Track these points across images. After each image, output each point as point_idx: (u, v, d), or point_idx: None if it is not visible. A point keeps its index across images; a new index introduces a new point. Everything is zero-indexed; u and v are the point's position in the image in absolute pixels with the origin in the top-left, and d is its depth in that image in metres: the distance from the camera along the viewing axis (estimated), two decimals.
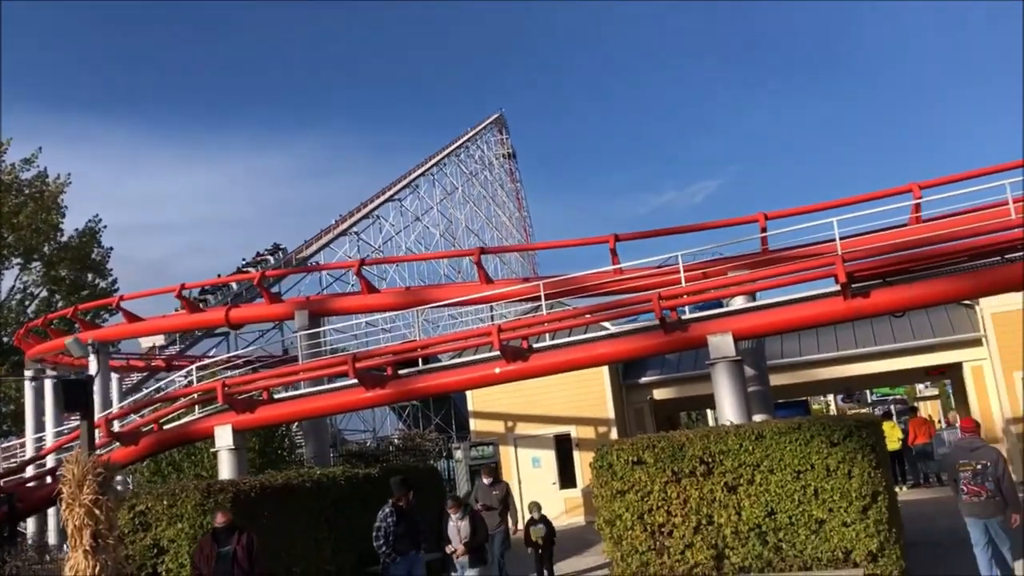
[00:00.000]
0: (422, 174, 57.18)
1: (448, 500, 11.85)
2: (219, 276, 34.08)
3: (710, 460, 10.50)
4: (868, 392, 56.88)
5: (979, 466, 9.30)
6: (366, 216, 50.46)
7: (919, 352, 22.08)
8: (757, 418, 13.15)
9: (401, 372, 15.25)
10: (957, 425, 39.13)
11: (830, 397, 52.02)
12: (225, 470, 15.28)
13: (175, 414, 16.75)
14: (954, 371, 24.75)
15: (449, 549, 11.48)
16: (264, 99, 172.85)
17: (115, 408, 19.92)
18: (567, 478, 22.87)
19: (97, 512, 10.06)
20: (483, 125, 71.06)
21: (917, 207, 14.12)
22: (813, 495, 10.12)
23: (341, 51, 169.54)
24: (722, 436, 10.64)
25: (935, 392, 57.75)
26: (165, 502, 11.76)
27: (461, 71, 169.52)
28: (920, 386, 56.00)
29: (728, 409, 12.58)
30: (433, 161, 59.06)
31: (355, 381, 14.71)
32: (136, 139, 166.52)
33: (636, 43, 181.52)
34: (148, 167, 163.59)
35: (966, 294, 12.86)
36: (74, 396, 10.11)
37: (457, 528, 11.42)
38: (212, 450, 15.97)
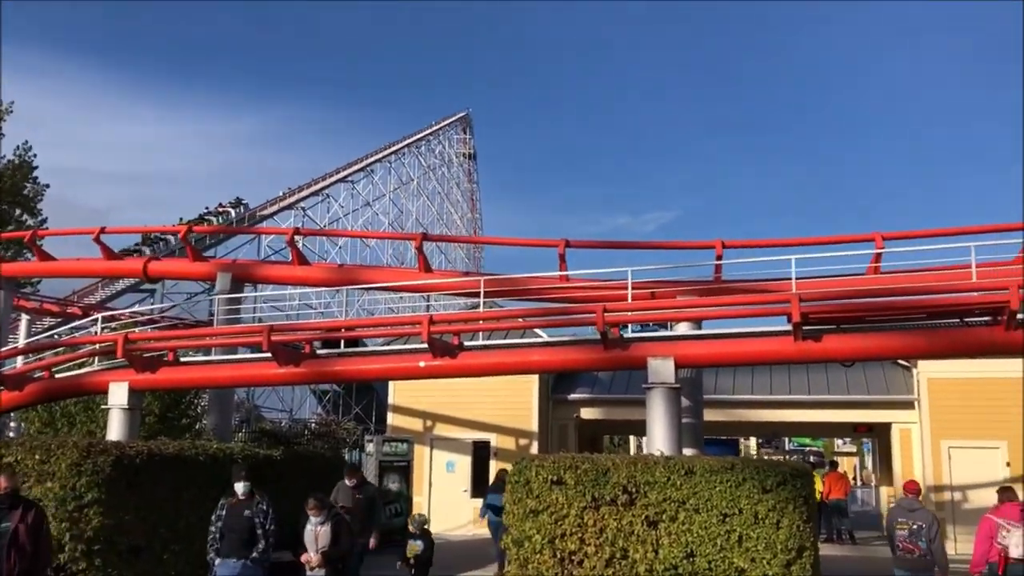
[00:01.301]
0: (379, 160, 56.14)
1: (310, 499, 9.80)
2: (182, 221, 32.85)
3: (634, 490, 9.80)
4: (786, 440, 57.49)
5: (915, 526, 9.79)
6: (315, 193, 49.31)
7: (852, 407, 21.96)
8: (687, 452, 12.54)
9: (320, 352, 14.30)
10: (872, 484, 39.54)
11: (752, 440, 52.22)
12: (114, 431, 14.09)
13: (71, 363, 15.50)
14: (881, 431, 24.71)
15: (304, 558, 9.67)
16: (230, 62, 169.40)
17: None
18: (480, 487, 22.09)
19: None
20: (448, 121, 70.33)
21: (877, 257, 13.70)
22: (737, 542, 9.49)
23: (320, 24, 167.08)
24: (650, 466, 9.96)
25: (852, 449, 58.59)
26: (37, 456, 10.77)
27: (435, 66, 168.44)
28: (839, 441, 56.71)
29: (659, 438, 11.90)
30: (392, 149, 58.07)
31: (269, 355, 13.71)
32: (93, 80, 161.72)
33: (609, 66, 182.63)
34: (101, 111, 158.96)
35: (921, 352, 12.45)
36: None
37: (315, 533, 9.67)
38: (103, 407, 14.80)
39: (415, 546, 11.45)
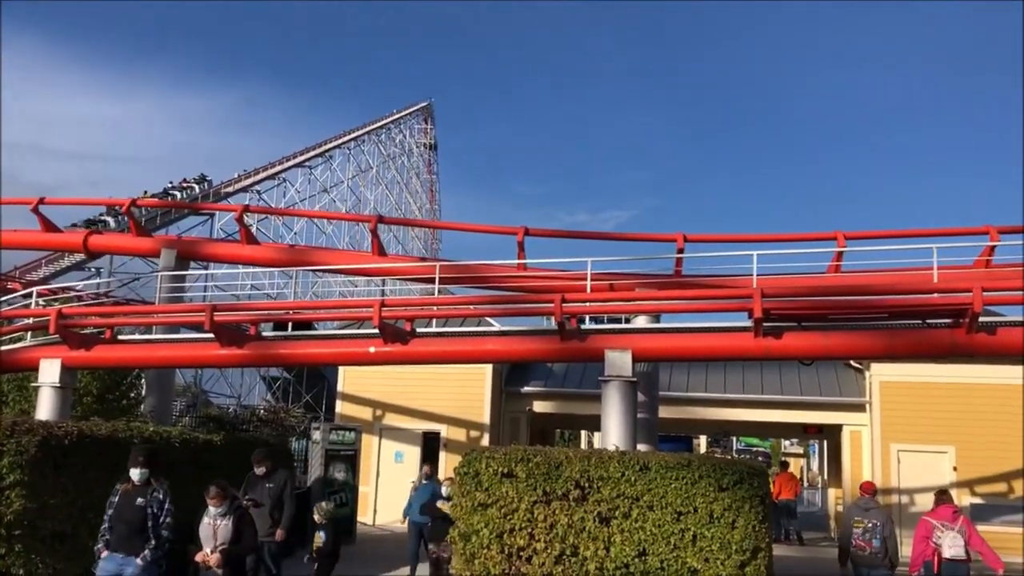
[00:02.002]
0: (338, 146, 55.25)
1: (211, 486, 8.38)
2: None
3: (587, 485, 9.45)
4: (734, 440, 57.84)
5: (870, 524, 10.21)
6: (271, 177, 48.34)
7: (804, 408, 21.89)
8: (641, 447, 12.25)
9: (265, 334, 13.75)
10: (818, 486, 40.17)
11: (702, 439, 52.41)
12: (44, 410, 13.40)
13: (1, 338, 14.74)
14: (831, 432, 24.76)
15: (199, 557, 8.24)
16: (190, 43, 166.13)
17: None
18: None
19: None
20: (409, 110, 69.59)
21: (839, 256, 13.58)
22: (691, 541, 9.18)
23: (281, 7, 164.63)
24: (604, 461, 9.61)
25: (799, 451, 59.18)
26: None
27: (401, 55, 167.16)
28: (786, 442, 57.23)
29: (614, 432, 11.59)
30: (351, 136, 57.19)
31: (211, 335, 13.11)
32: (42, 52, 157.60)
33: (569, 66, 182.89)
34: (53, 86, 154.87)
35: (883, 352, 12.29)
36: None
37: (213, 527, 8.27)
38: (33, 385, 14.08)
39: (318, 537, 10.86)
